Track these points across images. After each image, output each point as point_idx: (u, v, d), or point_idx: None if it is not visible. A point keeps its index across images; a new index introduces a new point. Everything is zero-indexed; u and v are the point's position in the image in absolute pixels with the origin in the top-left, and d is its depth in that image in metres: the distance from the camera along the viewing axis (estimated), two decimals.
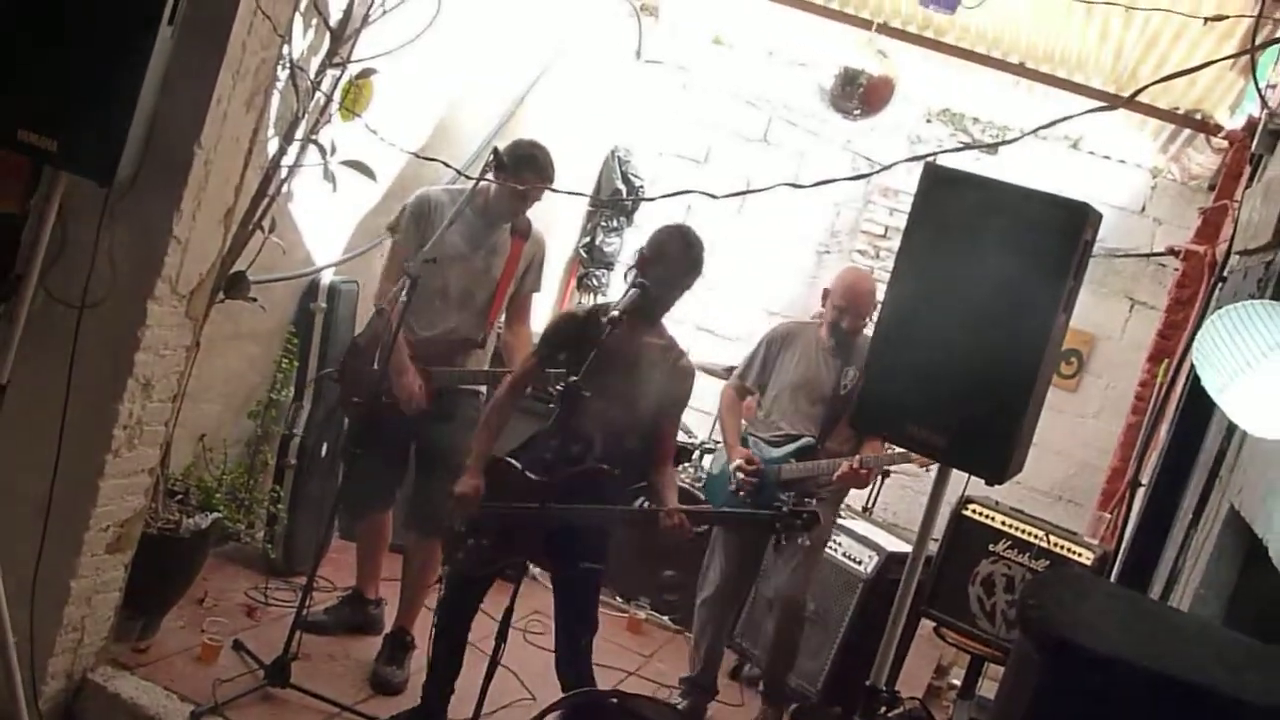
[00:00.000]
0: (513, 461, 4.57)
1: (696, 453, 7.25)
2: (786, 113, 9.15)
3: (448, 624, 4.62)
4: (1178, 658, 1.51)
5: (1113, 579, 4.93)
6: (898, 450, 5.26)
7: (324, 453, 5.88)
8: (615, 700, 4.46)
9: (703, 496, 6.41)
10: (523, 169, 5.01)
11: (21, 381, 3.92)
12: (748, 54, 9.26)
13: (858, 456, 5.36)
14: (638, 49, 8.93)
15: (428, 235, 4.92)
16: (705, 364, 6.66)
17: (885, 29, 7.38)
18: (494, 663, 4.19)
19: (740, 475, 5.49)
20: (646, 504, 4.62)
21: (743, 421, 5.83)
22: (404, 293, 4.69)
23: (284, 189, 4.98)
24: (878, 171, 7.98)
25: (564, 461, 4.36)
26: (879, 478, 6.55)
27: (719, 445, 7.44)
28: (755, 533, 5.49)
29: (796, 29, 8.31)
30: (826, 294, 5.64)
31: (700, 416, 7.61)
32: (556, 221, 8.22)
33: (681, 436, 5.82)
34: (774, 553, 5.56)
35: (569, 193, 5.39)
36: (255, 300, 4.86)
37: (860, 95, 7.20)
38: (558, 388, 4.34)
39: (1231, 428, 3.35)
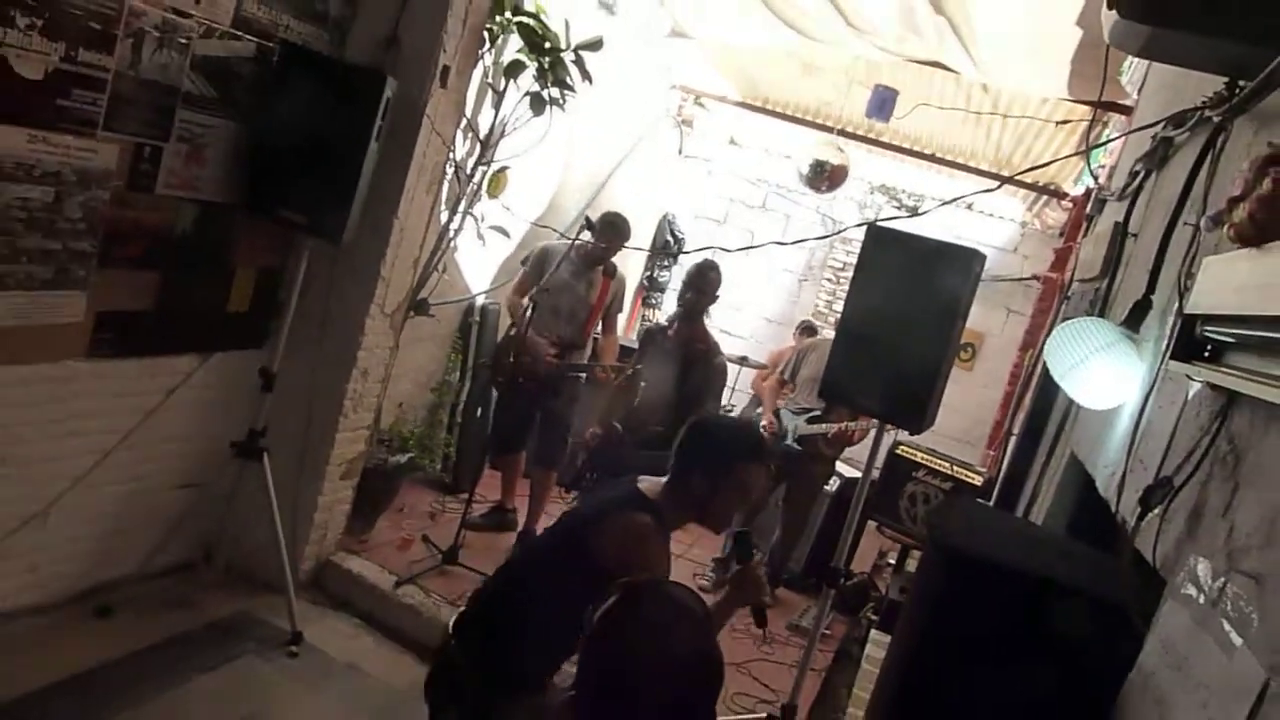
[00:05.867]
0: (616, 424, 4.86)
1: None
2: (777, 189, 9.07)
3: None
4: (1031, 558, 1.48)
5: (994, 500, 4.87)
6: (873, 421, 5.16)
7: (479, 415, 5.90)
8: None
9: None
10: (608, 232, 5.01)
11: (287, 370, 4.00)
12: (751, 149, 9.19)
13: (845, 423, 5.31)
14: (680, 147, 8.88)
15: (544, 272, 4.94)
16: (726, 355, 6.62)
17: (842, 132, 7.32)
18: None
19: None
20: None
21: (780, 401, 5.76)
22: (529, 310, 4.73)
23: (451, 245, 5.01)
24: (837, 233, 7.99)
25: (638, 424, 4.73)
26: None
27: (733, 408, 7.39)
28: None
29: (784, 132, 8.26)
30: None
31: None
32: (630, 260, 8.20)
33: None
34: (790, 481, 5.54)
35: (636, 248, 5.38)
36: (433, 316, 4.89)
37: (826, 177, 7.12)
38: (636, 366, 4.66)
39: (1071, 400, 3.28)
